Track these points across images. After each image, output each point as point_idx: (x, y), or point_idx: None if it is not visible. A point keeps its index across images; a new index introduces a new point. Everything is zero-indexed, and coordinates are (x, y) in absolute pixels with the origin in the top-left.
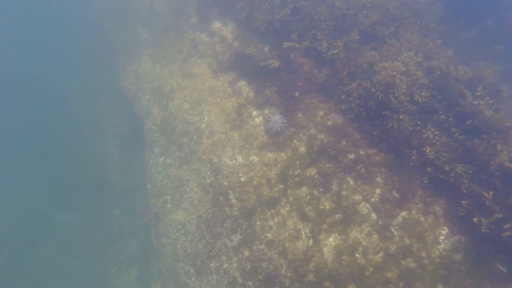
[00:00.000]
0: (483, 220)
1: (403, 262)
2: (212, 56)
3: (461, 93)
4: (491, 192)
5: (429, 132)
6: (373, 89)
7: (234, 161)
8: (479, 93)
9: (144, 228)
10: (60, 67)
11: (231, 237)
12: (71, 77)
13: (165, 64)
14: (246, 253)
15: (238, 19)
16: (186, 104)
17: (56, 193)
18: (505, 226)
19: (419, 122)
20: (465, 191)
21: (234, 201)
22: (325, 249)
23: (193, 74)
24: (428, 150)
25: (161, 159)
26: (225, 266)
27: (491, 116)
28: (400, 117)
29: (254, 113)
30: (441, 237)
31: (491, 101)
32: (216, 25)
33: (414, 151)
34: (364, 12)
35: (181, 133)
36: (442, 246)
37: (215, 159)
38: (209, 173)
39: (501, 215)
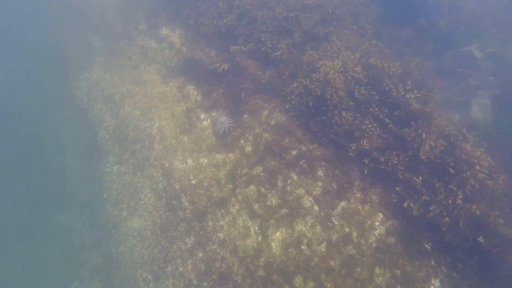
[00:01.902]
0: (412, 205)
1: (344, 250)
2: (161, 62)
3: (390, 88)
4: (420, 177)
5: (367, 122)
6: (312, 86)
7: (185, 164)
8: (409, 87)
9: (105, 238)
10: (12, 78)
11: (185, 240)
12: (24, 88)
13: (116, 72)
14: (200, 254)
15: (185, 24)
16: (137, 110)
17: (15, 208)
18: (431, 208)
19: (358, 115)
20: (396, 178)
21: (186, 204)
22: (273, 244)
23: (143, 80)
24: (365, 142)
25: (116, 167)
26: (181, 269)
27: (418, 108)
28: (341, 113)
29: (202, 116)
30: (377, 223)
31: (419, 94)
32: (165, 31)
33: (352, 144)
34: (306, 14)
35: (133, 140)
36: (377, 231)
37: (167, 164)
38: (161, 178)
39: (427, 198)
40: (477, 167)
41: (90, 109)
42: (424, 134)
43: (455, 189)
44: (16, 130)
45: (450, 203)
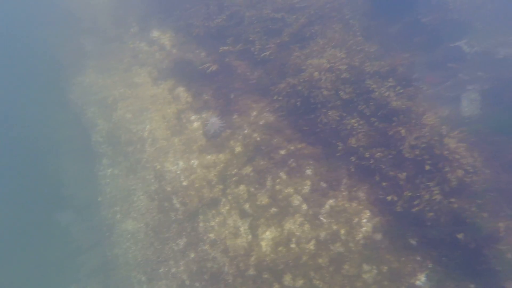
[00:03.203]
0: (395, 198)
1: (332, 247)
2: (152, 64)
3: (371, 88)
4: (404, 173)
5: (354, 121)
6: (299, 87)
7: (176, 166)
8: (390, 84)
9: (101, 241)
10: (4, 84)
11: (177, 241)
12: (18, 94)
13: (108, 75)
14: (192, 255)
15: (176, 26)
16: (129, 113)
17: (12, 212)
18: (415, 203)
19: (344, 114)
20: (382, 175)
21: (178, 205)
22: (263, 243)
23: (135, 83)
24: (353, 141)
25: (109, 170)
26: (173, 270)
27: (399, 105)
28: (327, 112)
29: (193, 117)
30: (364, 220)
31: (402, 91)
32: (155, 33)
33: (339, 142)
34: (294, 16)
35: (125, 142)
36: (364, 228)
37: (158, 166)
38: (153, 180)
39: (410, 193)
40: (458, 163)
41: (84, 113)
42: (403, 131)
43: (431, 185)
44: (12, 136)
45: (428, 197)
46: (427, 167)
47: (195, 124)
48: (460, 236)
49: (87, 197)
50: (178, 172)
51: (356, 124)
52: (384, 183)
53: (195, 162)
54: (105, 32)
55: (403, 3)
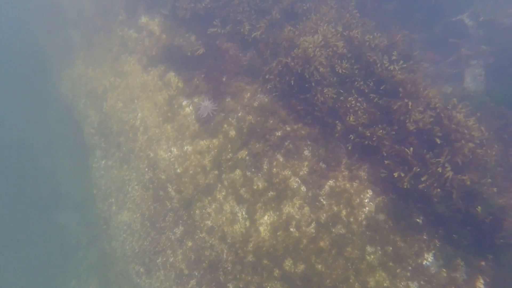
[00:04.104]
0: (402, 174)
1: (333, 230)
2: (142, 51)
3: (374, 61)
4: (411, 148)
5: (352, 99)
6: (292, 64)
7: (170, 153)
8: (394, 58)
9: (99, 235)
10: None
11: (174, 230)
12: (7, 89)
13: (97, 65)
14: (189, 244)
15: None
16: (120, 103)
17: (13, 212)
18: (422, 179)
19: (341, 91)
20: (387, 152)
21: (173, 193)
22: (261, 228)
23: (125, 72)
24: (351, 118)
25: (103, 162)
26: (171, 259)
27: (403, 78)
28: (323, 89)
29: (184, 103)
30: (366, 200)
31: (405, 65)
32: (144, 19)
33: (338, 121)
34: None
35: (117, 132)
36: (367, 208)
37: (152, 154)
38: (147, 169)
39: (418, 169)
40: (468, 137)
41: (75, 106)
42: (410, 103)
43: (442, 160)
44: (7, 135)
45: (440, 171)
46: (438, 141)
47: (187, 110)
48: (478, 209)
49: (84, 192)
50: (172, 159)
51: (354, 102)
52: (387, 161)
53: (188, 148)
54: (92, 22)
55: None
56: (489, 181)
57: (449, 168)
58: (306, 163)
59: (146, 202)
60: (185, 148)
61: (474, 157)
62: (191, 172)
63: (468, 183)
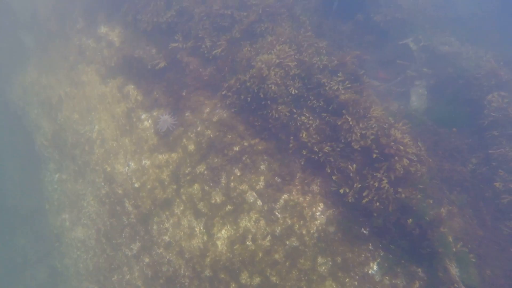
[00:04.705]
0: (347, 190)
1: (287, 242)
2: (100, 61)
3: (321, 82)
4: (354, 165)
5: (304, 117)
6: (248, 83)
7: (127, 167)
8: (340, 78)
9: (50, 252)
10: None
11: (131, 246)
12: None
13: (52, 74)
14: (147, 260)
15: (124, 22)
16: (76, 114)
17: None
18: (364, 194)
19: (294, 110)
20: (331, 167)
21: (130, 208)
22: (218, 242)
23: (82, 82)
24: (304, 135)
25: (56, 175)
26: (127, 277)
27: (347, 98)
28: (278, 107)
29: (143, 116)
30: (318, 213)
31: (349, 85)
32: (103, 29)
33: (292, 137)
34: (244, 13)
35: (72, 145)
36: (318, 221)
37: (109, 168)
38: (103, 184)
39: (359, 185)
40: (404, 153)
41: (26, 115)
42: (352, 121)
43: (379, 175)
44: None
45: (376, 186)
46: (375, 156)
47: (146, 123)
48: (409, 222)
49: (33, 205)
50: (129, 173)
51: (306, 120)
52: (334, 177)
53: (146, 162)
54: (47, 28)
55: (355, 2)
56: (419, 196)
57: (386, 181)
58: (262, 177)
59: (102, 218)
60: (143, 162)
61: (407, 172)
62: (149, 186)
63: (403, 196)
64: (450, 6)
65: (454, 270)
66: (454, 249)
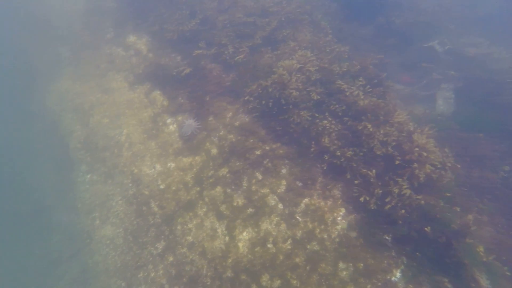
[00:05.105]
0: (368, 198)
1: (308, 246)
2: (129, 69)
3: (341, 89)
4: (374, 170)
5: (326, 122)
6: (270, 89)
7: (153, 169)
8: (361, 83)
9: (82, 249)
10: None
11: (156, 245)
12: None
13: (84, 81)
14: (171, 259)
15: (151, 31)
16: (106, 118)
17: None
18: (386, 200)
19: (316, 115)
20: (353, 173)
21: (155, 209)
22: (240, 244)
23: (111, 88)
24: (326, 140)
25: (88, 176)
26: (152, 274)
27: (366, 104)
28: (300, 112)
29: (169, 120)
30: (339, 218)
31: (370, 89)
32: (131, 38)
33: (313, 142)
34: (266, 19)
35: (103, 148)
36: (340, 226)
37: (136, 170)
38: (131, 185)
39: (380, 191)
40: (427, 159)
41: (61, 120)
42: (371, 128)
43: (400, 180)
44: None
45: (397, 192)
46: (397, 162)
47: (171, 127)
48: (428, 230)
49: (68, 205)
50: (155, 175)
51: (328, 124)
52: (356, 181)
53: (171, 165)
54: (81, 39)
55: (375, 6)
56: (441, 204)
57: (405, 187)
58: (283, 181)
59: (129, 217)
60: (168, 164)
61: (430, 179)
62: (173, 188)
63: (422, 202)
64: (479, 4)
65: (484, 282)
66: (484, 259)
